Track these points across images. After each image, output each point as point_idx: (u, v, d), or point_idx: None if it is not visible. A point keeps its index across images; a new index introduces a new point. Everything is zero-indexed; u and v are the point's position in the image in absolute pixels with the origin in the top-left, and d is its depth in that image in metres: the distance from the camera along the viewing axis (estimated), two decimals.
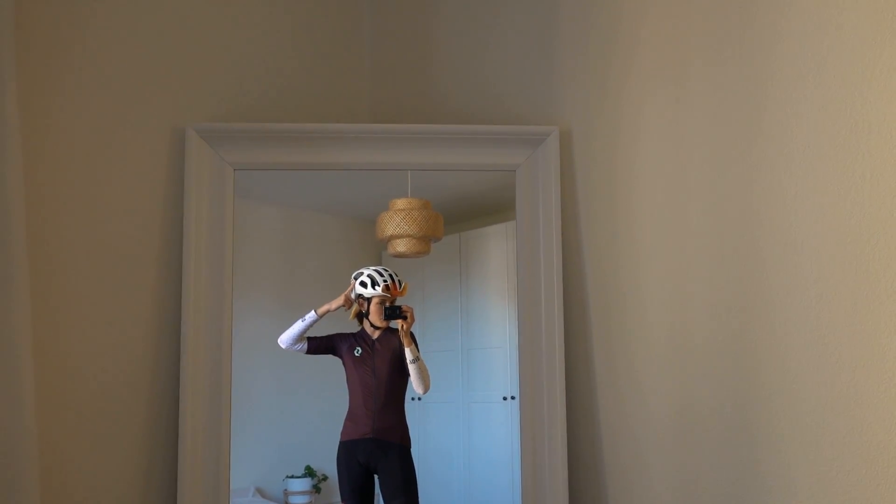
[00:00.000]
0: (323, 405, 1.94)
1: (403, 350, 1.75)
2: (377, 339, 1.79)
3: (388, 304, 1.77)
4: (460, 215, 1.99)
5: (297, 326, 1.76)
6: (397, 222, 1.81)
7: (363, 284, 1.77)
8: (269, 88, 2.01)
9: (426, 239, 1.82)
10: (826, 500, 1.35)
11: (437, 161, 1.83)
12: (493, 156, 1.82)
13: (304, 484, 1.92)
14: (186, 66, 1.86)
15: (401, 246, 1.82)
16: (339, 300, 1.77)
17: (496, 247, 2.01)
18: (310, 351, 1.78)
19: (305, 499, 1.93)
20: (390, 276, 1.77)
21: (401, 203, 1.83)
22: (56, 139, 1.64)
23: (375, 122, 2.11)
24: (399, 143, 1.82)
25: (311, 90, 2.09)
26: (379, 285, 1.76)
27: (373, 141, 1.82)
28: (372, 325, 1.79)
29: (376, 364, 1.77)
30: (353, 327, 1.81)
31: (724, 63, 1.53)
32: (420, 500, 1.75)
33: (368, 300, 1.78)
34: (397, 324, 1.75)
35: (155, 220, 1.77)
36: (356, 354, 1.78)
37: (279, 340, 1.77)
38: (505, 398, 1.92)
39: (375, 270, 1.78)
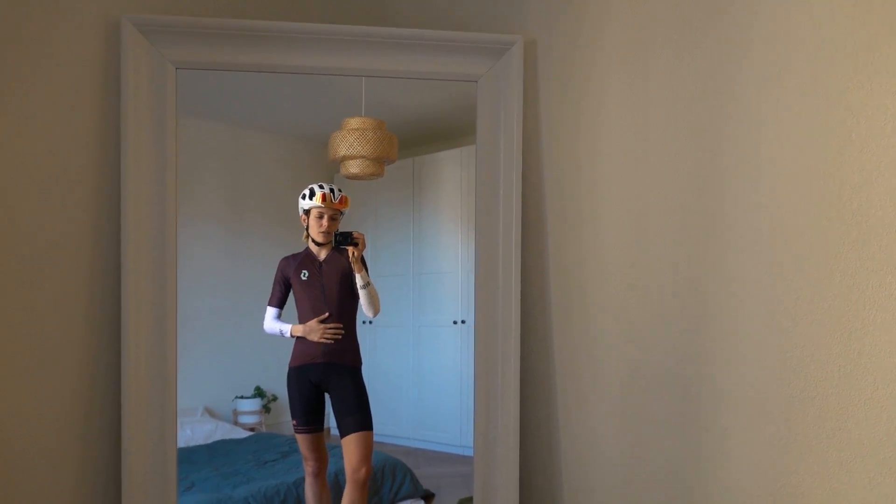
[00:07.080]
0: None
1: (352, 271, 1.74)
2: (324, 259, 1.77)
3: (338, 230, 1.75)
4: (414, 139, 1.96)
5: (276, 330, 1.77)
6: (350, 142, 1.76)
7: (303, 197, 1.75)
8: None
9: (380, 160, 1.78)
10: (765, 464, 1.41)
11: (395, 68, 1.73)
12: (454, 64, 1.74)
13: (254, 404, 1.92)
14: None
15: (354, 167, 1.78)
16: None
17: (450, 172, 2.00)
18: (282, 307, 1.77)
19: (255, 418, 1.93)
20: (330, 189, 1.74)
21: (354, 122, 1.78)
22: None
23: (329, 23, 2.00)
24: (354, 47, 1.72)
25: None
26: (316, 195, 1.73)
27: (325, 42, 1.71)
28: (314, 241, 1.76)
29: (325, 286, 1.75)
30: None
31: None
32: None
33: (308, 213, 1.75)
34: (348, 250, 1.73)
35: (88, 124, 1.60)
36: (303, 278, 1.76)
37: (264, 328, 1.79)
38: (455, 322, 1.94)
39: (318, 184, 1.75)
